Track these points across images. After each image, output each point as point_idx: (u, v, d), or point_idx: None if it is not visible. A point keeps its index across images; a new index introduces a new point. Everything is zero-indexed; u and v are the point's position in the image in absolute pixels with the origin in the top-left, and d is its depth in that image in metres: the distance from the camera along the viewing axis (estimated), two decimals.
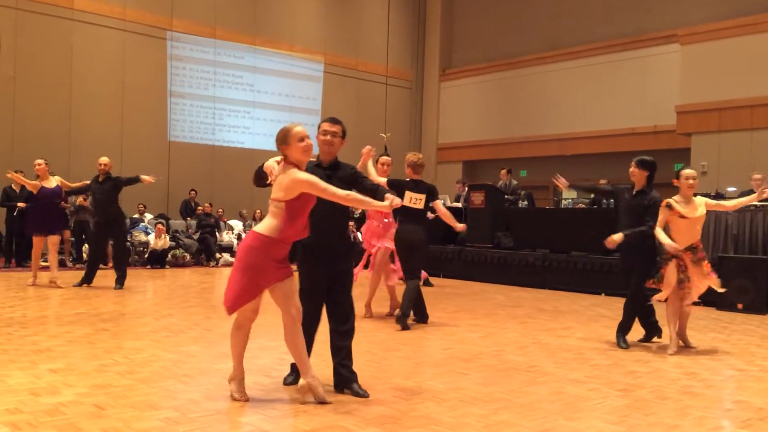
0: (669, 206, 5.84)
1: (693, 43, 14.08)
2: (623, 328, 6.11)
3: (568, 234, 11.34)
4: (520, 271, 11.64)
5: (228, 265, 14.14)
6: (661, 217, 5.85)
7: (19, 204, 11.74)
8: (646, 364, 5.40)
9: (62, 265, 11.52)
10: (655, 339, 6.32)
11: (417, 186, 6.81)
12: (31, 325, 6.25)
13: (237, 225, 15.58)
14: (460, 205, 13.96)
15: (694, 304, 6.11)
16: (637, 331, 6.25)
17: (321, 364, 4.47)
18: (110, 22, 15.23)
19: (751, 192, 10.55)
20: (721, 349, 6.14)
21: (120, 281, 9.29)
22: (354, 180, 4.27)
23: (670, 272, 5.83)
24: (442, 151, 20.63)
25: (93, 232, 10.38)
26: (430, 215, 10.88)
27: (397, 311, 7.09)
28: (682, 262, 5.84)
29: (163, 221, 14.08)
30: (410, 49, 21.00)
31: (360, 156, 6.68)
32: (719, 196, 10.06)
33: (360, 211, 15.49)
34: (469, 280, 11.61)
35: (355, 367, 4.25)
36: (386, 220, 7.43)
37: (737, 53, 13.41)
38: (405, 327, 6.65)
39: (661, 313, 6.21)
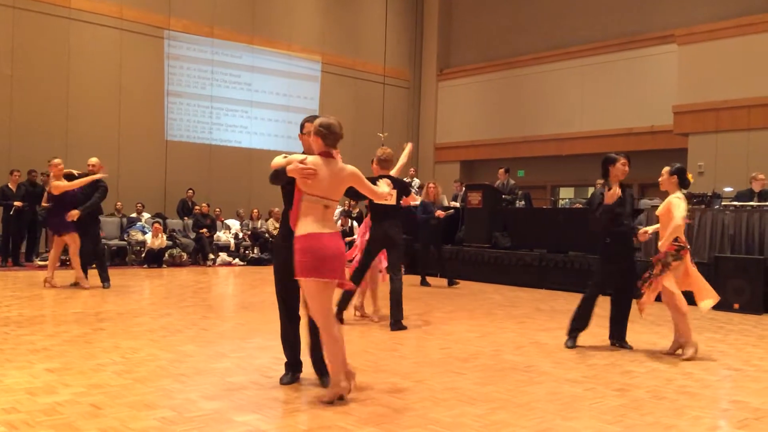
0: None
1: (690, 43, 14.09)
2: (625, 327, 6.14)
3: (565, 234, 11.35)
4: (517, 271, 11.65)
5: (225, 264, 14.14)
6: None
7: (16, 203, 11.72)
8: (642, 364, 5.41)
9: (62, 264, 11.49)
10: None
11: None
12: (27, 325, 6.24)
13: (234, 224, 15.56)
14: (457, 204, 13.97)
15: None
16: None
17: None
18: (108, 21, 15.20)
19: (750, 191, 10.60)
20: (717, 349, 6.15)
21: (105, 280, 9.26)
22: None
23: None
24: (439, 151, 20.64)
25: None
26: (439, 213, 10.97)
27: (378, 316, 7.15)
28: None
29: (160, 220, 14.06)
30: (408, 48, 21.00)
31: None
32: (716, 196, 10.08)
33: (357, 209, 15.50)
34: (466, 280, 11.62)
35: (354, 367, 4.26)
36: None
37: (734, 53, 13.42)
38: (403, 327, 6.66)
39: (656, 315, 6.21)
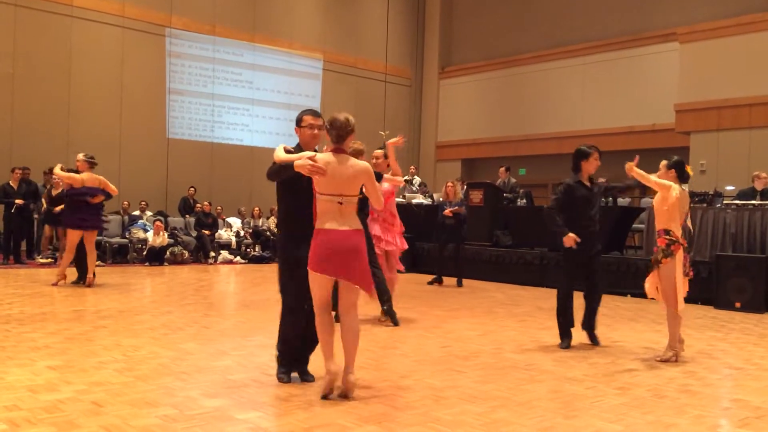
0: None
1: (692, 41, 14.07)
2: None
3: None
4: (518, 269, 11.64)
5: (227, 262, 14.15)
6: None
7: (17, 201, 11.73)
8: (644, 362, 5.40)
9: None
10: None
11: None
12: (29, 322, 6.25)
13: (235, 222, 15.57)
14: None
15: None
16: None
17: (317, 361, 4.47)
18: (109, 19, 15.21)
19: (752, 190, 10.58)
20: (718, 348, 6.15)
21: (82, 277, 9.25)
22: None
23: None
24: (441, 149, 20.63)
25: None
26: (447, 212, 10.92)
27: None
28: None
29: (162, 218, 14.07)
30: (409, 46, 20.99)
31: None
32: (717, 194, 10.07)
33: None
34: (467, 278, 11.61)
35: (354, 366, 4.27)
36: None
37: (736, 52, 13.40)
38: (395, 318, 6.66)
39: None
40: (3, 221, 12.06)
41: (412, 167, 16.26)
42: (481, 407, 3.95)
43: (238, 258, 14.61)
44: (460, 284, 10.93)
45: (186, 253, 13.72)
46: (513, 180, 14.11)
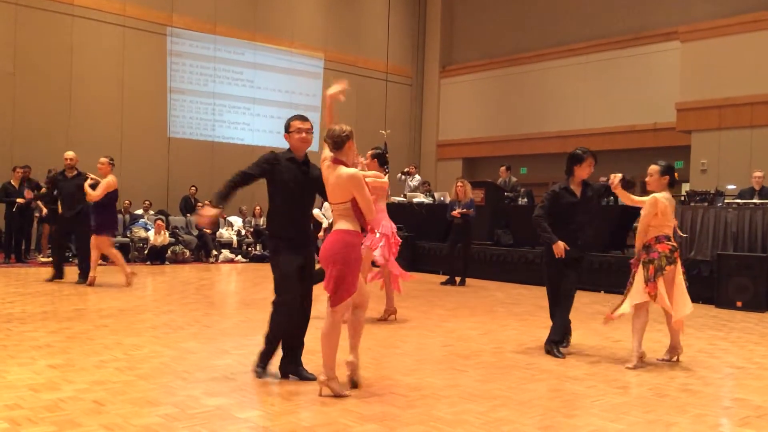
0: None
1: (693, 40, 14.05)
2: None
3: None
4: (519, 268, 11.63)
5: (228, 261, 14.15)
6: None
7: (19, 199, 11.74)
8: (644, 361, 5.40)
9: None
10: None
11: None
12: (30, 321, 6.26)
13: (237, 221, 15.58)
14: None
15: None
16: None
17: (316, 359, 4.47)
18: (110, 18, 15.21)
19: (751, 189, 10.58)
20: (720, 347, 6.15)
21: (84, 275, 9.26)
22: (321, 181, 4.33)
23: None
24: (442, 148, 20.62)
25: (56, 227, 10.27)
26: (456, 213, 10.87)
27: (389, 315, 7.12)
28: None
29: (163, 217, 14.07)
30: (410, 45, 20.98)
31: (358, 153, 6.56)
32: (719, 194, 10.06)
33: None
34: (468, 277, 11.60)
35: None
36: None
37: (738, 51, 13.38)
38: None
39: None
40: (5, 220, 12.07)
41: (412, 166, 16.25)
42: (482, 406, 3.95)
43: (240, 257, 14.62)
44: (463, 283, 10.92)
45: (187, 252, 13.73)
46: (514, 179, 14.10)
